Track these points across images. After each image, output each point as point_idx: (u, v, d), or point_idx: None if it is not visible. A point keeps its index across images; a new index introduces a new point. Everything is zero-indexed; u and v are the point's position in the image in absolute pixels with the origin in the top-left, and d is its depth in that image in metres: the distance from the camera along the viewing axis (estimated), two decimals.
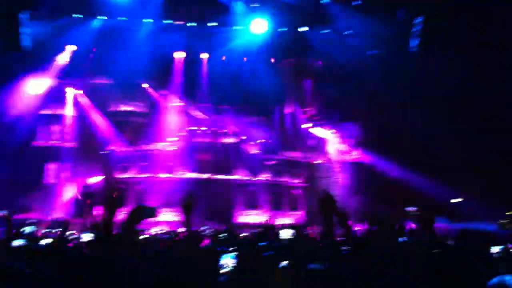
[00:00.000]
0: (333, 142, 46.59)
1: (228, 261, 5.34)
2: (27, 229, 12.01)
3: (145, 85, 45.84)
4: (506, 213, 29.08)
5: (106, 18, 44.20)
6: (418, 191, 35.84)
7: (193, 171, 41.78)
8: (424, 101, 39.05)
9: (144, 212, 4.84)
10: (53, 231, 24.00)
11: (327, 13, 44.45)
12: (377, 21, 42.21)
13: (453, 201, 37.68)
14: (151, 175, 41.82)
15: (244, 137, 43.24)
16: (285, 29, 48.62)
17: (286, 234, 12.86)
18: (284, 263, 5.70)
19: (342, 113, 45.18)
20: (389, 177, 40.50)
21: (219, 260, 5.05)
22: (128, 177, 42.22)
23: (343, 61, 46.78)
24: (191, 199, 5.19)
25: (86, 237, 8.67)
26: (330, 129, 46.58)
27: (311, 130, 46.53)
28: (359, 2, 44.26)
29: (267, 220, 32.41)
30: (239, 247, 8.86)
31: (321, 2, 45.45)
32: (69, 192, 41.50)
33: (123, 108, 45.07)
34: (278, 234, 12.47)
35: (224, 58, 48.69)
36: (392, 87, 42.74)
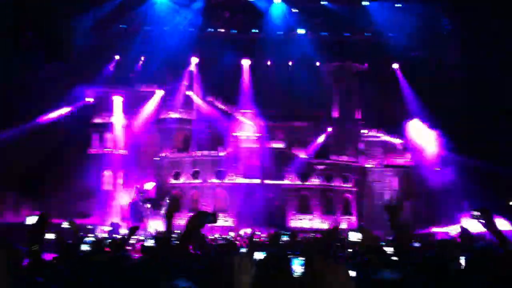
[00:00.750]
0: (384, 145, 45.89)
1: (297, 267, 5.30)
2: (90, 238, 12.35)
3: (189, 93, 46.38)
4: None
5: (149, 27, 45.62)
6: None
7: (244, 176, 41.97)
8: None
9: (206, 218, 4.84)
10: (114, 235, 24.58)
11: (368, 16, 44.38)
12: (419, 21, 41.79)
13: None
14: (203, 181, 42.25)
15: (293, 142, 43.08)
16: (327, 33, 48.76)
17: (354, 237, 12.66)
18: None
19: (389, 116, 44.48)
20: (441, 183, 39.40)
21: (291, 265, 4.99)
22: (181, 183, 42.81)
23: (386, 63, 46.50)
24: (174, 202, 5.17)
25: (149, 242, 8.85)
26: (379, 132, 45.88)
27: (361, 133, 45.94)
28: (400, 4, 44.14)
29: (334, 224, 32.00)
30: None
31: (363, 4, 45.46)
32: (126, 197, 42.41)
33: (172, 115, 45.71)
34: (347, 236, 12.32)
35: (269, 63, 48.96)
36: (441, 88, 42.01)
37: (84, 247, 9.07)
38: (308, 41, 47.96)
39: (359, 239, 13.00)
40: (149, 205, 38.91)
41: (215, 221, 4.87)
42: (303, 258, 5.41)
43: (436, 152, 41.63)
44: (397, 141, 45.23)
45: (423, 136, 42.35)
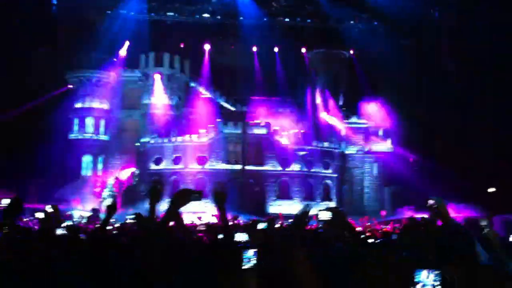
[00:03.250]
0: (364, 132, 46.18)
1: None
2: (66, 223, 12.34)
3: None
4: None
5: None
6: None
7: (225, 162, 42.03)
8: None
9: (190, 195, 4.80)
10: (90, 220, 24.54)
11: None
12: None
13: (489, 190, 37.01)
14: (184, 166, 42.23)
15: (275, 128, 43.16)
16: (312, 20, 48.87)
17: (324, 215, 12.73)
18: None
19: (374, 104, 44.79)
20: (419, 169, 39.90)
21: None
22: (162, 169, 42.76)
23: (375, 51, 46.62)
24: (155, 190, 5.09)
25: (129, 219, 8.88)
26: (362, 119, 46.14)
27: (342, 120, 46.17)
28: None
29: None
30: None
31: None
32: (105, 183, 42.26)
33: (155, 100, 45.47)
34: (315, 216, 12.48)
35: (254, 49, 48.92)
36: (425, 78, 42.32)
37: (59, 231, 9.05)
38: (295, 28, 48.33)
39: (328, 217, 13.12)
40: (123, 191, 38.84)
41: (200, 199, 4.80)
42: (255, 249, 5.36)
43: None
44: (378, 128, 45.52)
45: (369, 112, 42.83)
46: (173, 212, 4.74)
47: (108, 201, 33.80)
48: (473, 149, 36.08)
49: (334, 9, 46.95)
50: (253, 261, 5.04)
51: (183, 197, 4.71)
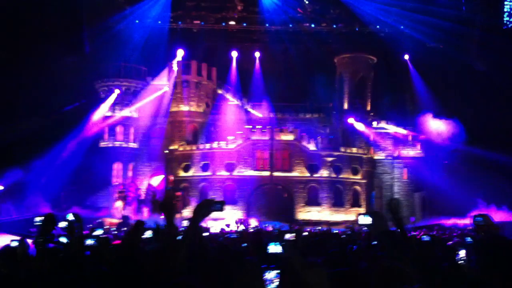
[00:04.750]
0: (394, 137, 45.67)
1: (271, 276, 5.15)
2: (97, 231, 12.45)
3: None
4: None
5: None
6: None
7: (253, 169, 42.11)
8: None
9: (212, 206, 4.78)
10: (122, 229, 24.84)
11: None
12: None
13: None
14: (212, 173, 42.46)
15: (303, 134, 43.07)
16: (339, 25, 48.75)
17: (364, 220, 12.66)
18: None
19: (400, 107, 44.37)
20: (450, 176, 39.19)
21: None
22: (190, 176, 43.08)
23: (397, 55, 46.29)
24: (170, 198, 5.02)
25: (147, 234, 8.91)
26: (389, 124, 45.67)
27: (371, 125, 45.76)
28: None
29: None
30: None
31: None
32: (132, 191, 42.73)
33: (184, 108, 45.91)
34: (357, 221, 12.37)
35: (281, 55, 48.97)
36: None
37: (89, 241, 9.08)
38: (320, 34, 48.24)
39: (369, 223, 13.06)
40: (154, 199, 39.14)
41: (222, 209, 4.77)
42: (278, 271, 5.27)
43: (447, 144, 41.39)
44: (407, 133, 44.99)
45: (434, 128, 42.11)
46: (196, 224, 4.76)
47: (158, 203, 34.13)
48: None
49: (362, 13, 46.64)
50: (276, 283, 4.98)
51: (205, 207, 4.72)
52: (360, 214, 5.67)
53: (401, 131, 44.99)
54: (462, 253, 7.57)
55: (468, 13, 43.40)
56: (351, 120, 45.44)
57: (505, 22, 42.66)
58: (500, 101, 38.58)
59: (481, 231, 7.28)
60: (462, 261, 7.38)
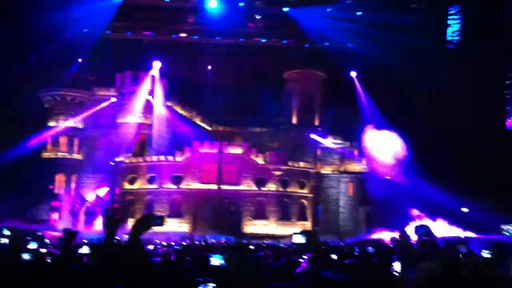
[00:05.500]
0: (340, 152, 46.49)
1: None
2: (32, 245, 11.96)
3: (149, 98, 45.94)
4: None
5: None
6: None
7: (201, 182, 41.80)
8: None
9: (152, 220, 4.77)
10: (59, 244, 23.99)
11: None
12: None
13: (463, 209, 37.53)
14: (159, 186, 41.86)
15: (251, 148, 43.15)
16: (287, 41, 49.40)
17: (298, 239, 12.81)
18: None
19: (346, 123, 45.18)
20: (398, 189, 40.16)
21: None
22: (136, 188, 42.32)
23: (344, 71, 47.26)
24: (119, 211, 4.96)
25: (84, 250, 8.65)
26: (336, 139, 46.46)
27: (319, 139, 46.41)
28: None
29: None
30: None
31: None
32: (77, 203, 41.60)
33: (130, 119, 45.15)
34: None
35: (231, 68, 49.11)
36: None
37: (26, 256, 8.67)
38: (271, 49, 48.66)
39: (302, 242, 13.13)
40: (98, 211, 38.24)
41: (161, 224, 4.79)
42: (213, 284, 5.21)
43: (391, 160, 42.41)
44: (352, 148, 45.87)
45: (378, 144, 43.08)
46: (136, 238, 4.70)
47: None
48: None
49: (311, 29, 47.31)
50: None
51: (144, 222, 4.69)
52: (294, 233, 5.69)
53: (347, 146, 45.82)
54: (397, 265, 7.70)
55: (415, 32, 44.76)
56: (299, 135, 45.91)
57: (449, 40, 44.07)
58: (444, 115, 39.87)
59: (423, 243, 7.40)
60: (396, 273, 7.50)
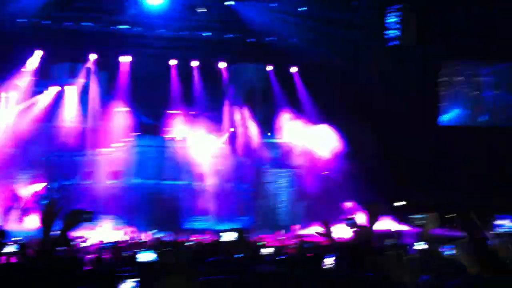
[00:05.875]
0: (280, 146, 46.95)
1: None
2: None
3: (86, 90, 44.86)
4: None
5: None
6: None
7: (139, 177, 41.19)
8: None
9: (81, 216, 4.66)
10: None
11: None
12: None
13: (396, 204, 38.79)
14: (97, 182, 40.97)
15: (191, 141, 42.90)
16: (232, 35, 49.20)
17: (228, 237, 12.82)
18: None
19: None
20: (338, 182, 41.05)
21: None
22: (71, 184, 41.27)
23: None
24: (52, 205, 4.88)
25: (9, 248, 8.38)
26: (278, 135, 46.87)
27: (259, 134, 46.70)
28: None
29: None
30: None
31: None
32: (8, 199, 40.13)
33: (68, 113, 43.87)
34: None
35: (173, 62, 48.30)
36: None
37: None
38: (213, 42, 48.25)
39: (234, 238, 13.16)
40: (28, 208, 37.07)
41: (91, 220, 4.70)
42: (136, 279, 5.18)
43: (329, 154, 43.28)
44: (292, 143, 46.37)
45: (316, 139, 43.86)
46: (64, 233, 4.62)
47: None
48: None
49: (256, 23, 47.27)
50: None
51: (73, 218, 4.59)
52: (223, 231, 5.73)
53: (288, 141, 46.29)
54: (329, 260, 7.84)
55: (356, 29, 45.59)
56: (240, 130, 45.96)
57: (387, 37, 45.02)
58: (380, 111, 40.90)
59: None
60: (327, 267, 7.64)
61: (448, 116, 42.92)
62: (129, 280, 5.06)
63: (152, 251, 6.78)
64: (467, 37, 39.70)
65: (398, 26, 43.10)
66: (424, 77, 42.33)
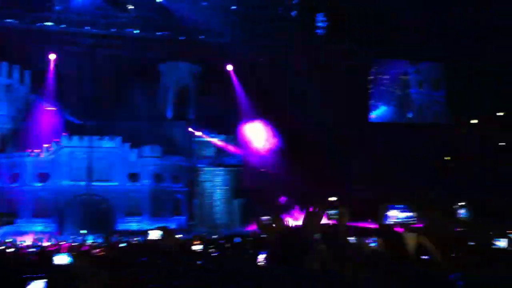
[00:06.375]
0: (216, 145, 46.79)
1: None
2: None
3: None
4: None
5: None
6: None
7: (70, 179, 39.75)
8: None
9: (1, 218, 4.36)
10: None
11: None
12: None
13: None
14: (23, 184, 39.18)
15: (125, 141, 41.89)
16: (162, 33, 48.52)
17: (154, 235, 12.64)
18: None
19: (222, 116, 45.61)
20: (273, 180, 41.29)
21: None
22: None
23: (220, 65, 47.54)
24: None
25: None
26: (212, 132, 46.69)
27: (195, 134, 46.36)
28: None
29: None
30: None
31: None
32: None
33: None
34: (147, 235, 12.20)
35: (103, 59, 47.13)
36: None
37: None
38: (144, 40, 47.33)
39: (159, 236, 12.92)
40: None
41: (11, 222, 4.36)
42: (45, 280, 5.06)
43: (266, 151, 43.56)
44: (228, 141, 46.32)
45: (252, 135, 44.02)
46: None
47: None
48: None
49: (188, 22, 46.79)
50: None
51: None
52: (152, 229, 5.60)
53: (222, 139, 46.22)
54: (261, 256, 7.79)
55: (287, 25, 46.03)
56: (174, 128, 45.42)
57: (318, 36, 45.68)
58: (313, 108, 41.53)
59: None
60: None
61: (376, 113, 44.12)
62: (37, 281, 4.92)
63: (67, 254, 6.58)
64: (397, 36, 40.95)
65: (327, 24, 44.03)
66: (356, 75, 43.33)
